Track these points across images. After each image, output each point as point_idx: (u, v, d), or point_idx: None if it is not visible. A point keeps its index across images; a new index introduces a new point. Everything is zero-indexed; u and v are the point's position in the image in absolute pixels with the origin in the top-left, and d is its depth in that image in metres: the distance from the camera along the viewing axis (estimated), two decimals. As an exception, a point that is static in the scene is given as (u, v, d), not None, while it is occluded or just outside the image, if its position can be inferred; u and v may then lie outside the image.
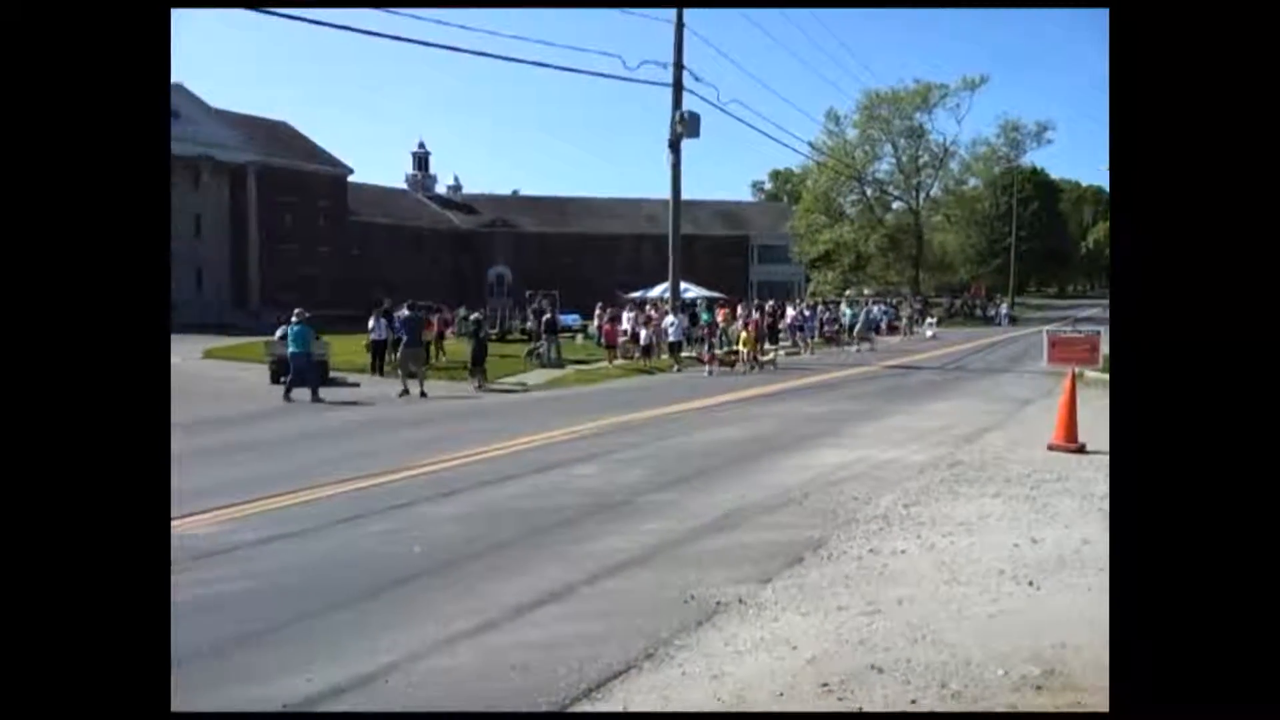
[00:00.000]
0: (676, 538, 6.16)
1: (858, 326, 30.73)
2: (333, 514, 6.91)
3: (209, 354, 23.43)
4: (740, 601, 4.89)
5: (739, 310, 27.74)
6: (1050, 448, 9.21)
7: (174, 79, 46.46)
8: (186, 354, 23.50)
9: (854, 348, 28.51)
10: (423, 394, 15.51)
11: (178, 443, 10.73)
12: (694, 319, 24.58)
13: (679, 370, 21.02)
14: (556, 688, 3.83)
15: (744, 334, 21.66)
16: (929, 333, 36.88)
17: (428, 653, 4.19)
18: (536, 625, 4.57)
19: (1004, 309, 52.63)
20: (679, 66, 22.94)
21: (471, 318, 20.80)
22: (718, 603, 4.87)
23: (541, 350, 21.82)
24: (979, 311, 54.78)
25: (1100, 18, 2.96)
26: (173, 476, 8.36)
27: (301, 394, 14.93)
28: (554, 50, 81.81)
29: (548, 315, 24.11)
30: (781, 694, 3.81)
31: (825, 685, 3.86)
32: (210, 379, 17.62)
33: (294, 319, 15.81)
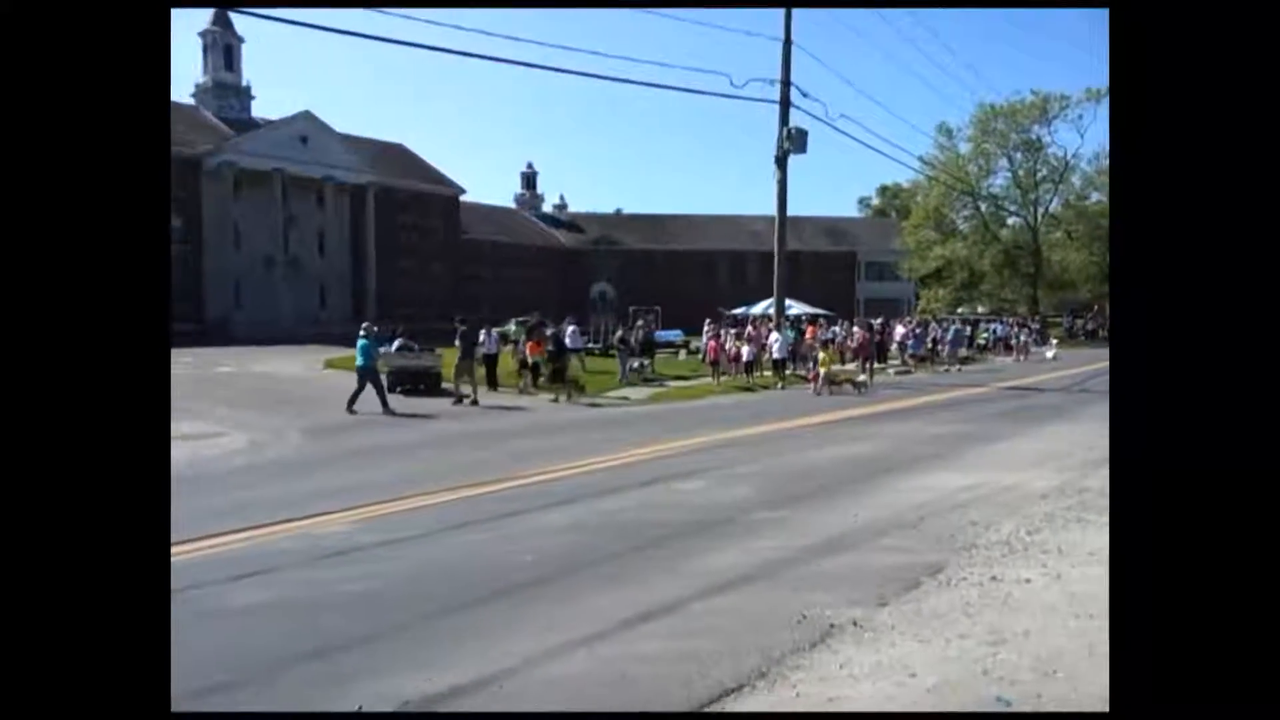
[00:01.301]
0: (788, 556, 6.03)
1: (945, 348, 29.47)
2: (445, 520, 7.10)
3: (329, 364, 24.57)
4: (855, 624, 4.74)
5: (817, 329, 26.70)
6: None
7: (303, 106, 49.58)
8: (310, 364, 24.76)
9: (944, 368, 27.45)
10: (474, 402, 16.51)
11: (305, 447, 11.26)
12: (800, 336, 24.15)
13: (783, 388, 20.72)
14: (669, 702, 3.80)
15: (823, 354, 20.51)
16: (1049, 354, 35.03)
17: (542, 659, 4.23)
18: (648, 638, 4.55)
19: None
20: (786, 84, 22.78)
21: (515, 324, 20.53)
22: (832, 624, 4.74)
23: (635, 366, 22.00)
24: (1102, 332, 51.98)
25: (1100, 17, 2.87)
26: (301, 480, 8.76)
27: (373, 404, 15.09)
28: (656, 70, 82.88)
29: (642, 332, 24.54)
30: (905, 723, 3.66)
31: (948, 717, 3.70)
32: (330, 388, 18.45)
33: (361, 332, 15.80)
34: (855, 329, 24.33)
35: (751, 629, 4.66)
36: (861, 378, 20.43)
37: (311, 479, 9.25)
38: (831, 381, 19.18)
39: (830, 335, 23.01)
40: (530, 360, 18.55)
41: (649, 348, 24.01)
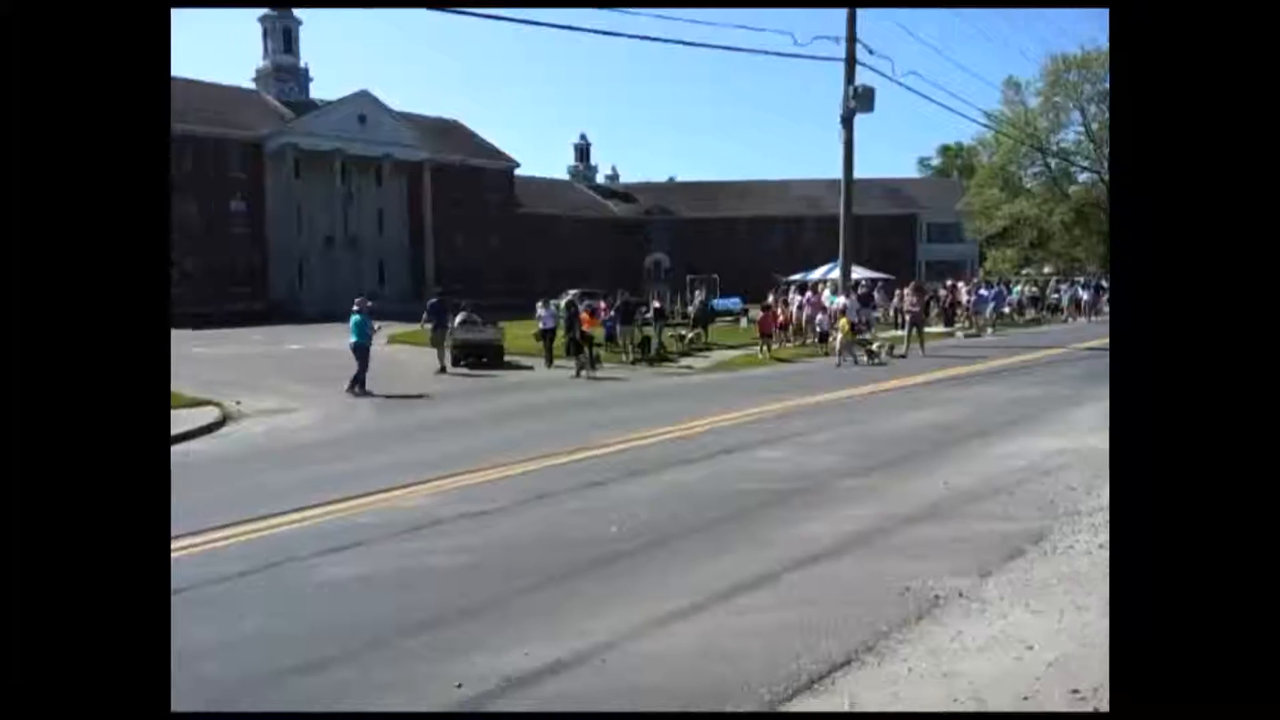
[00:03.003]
0: (882, 525, 5.84)
1: (987, 309, 27.63)
2: (524, 491, 7.06)
3: (392, 339, 24.95)
4: (961, 595, 4.55)
5: (838, 292, 23.68)
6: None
7: (361, 86, 50.04)
8: (376, 339, 25.12)
9: (962, 333, 25.93)
10: (441, 370, 17.24)
11: (376, 420, 11.38)
12: (865, 300, 23.39)
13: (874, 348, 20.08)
14: (776, 677, 3.67)
15: (842, 322, 18.69)
16: (1098, 315, 33.61)
17: (641, 634, 4.14)
18: (747, 611, 4.43)
19: None
20: (851, 40, 22.04)
21: (564, 303, 20.12)
22: (936, 595, 4.55)
23: (689, 337, 21.81)
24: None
25: (1100, 17, 2.75)
26: (375, 453, 8.80)
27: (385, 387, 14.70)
28: (718, 30, 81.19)
29: (698, 300, 24.24)
30: (1026, 698, 3.48)
31: (1076, 692, 3.50)
32: (396, 362, 18.68)
33: (355, 307, 15.16)
34: (906, 292, 22.36)
35: (853, 600, 4.51)
36: (898, 350, 18.77)
37: (385, 452, 9.33)
38: (864, 348, 17.98)
39: (842, 304, 20.72)
40: (584, 334, 18.30)
41: (700, 319, 23.65)
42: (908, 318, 20.63)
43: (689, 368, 18.48)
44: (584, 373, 16.51)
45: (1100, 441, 8.53)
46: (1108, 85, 49.63)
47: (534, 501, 6.80)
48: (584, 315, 19.39)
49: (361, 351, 14.50)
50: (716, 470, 7.80)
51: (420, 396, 14.10)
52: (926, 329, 24.69)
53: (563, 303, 19.29)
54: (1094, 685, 3.53)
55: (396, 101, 52.06)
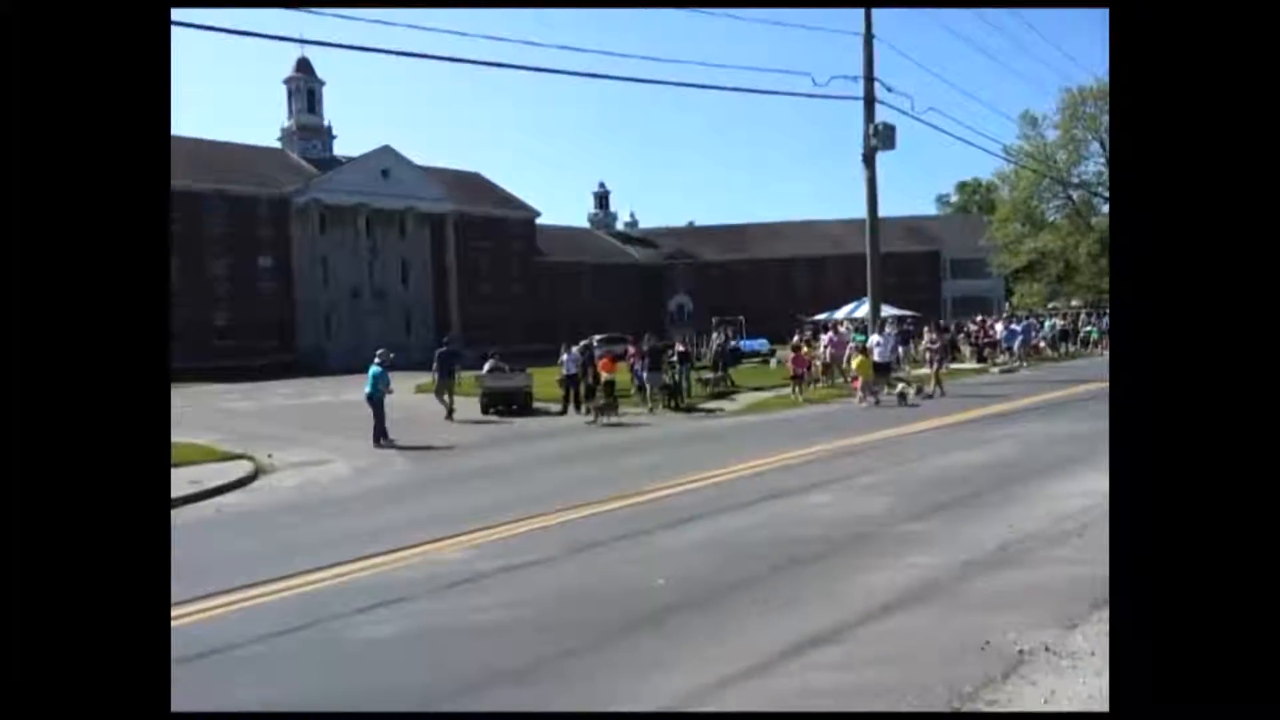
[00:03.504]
0: (948, 574, 5.50)
1: (1016, 343, 26.87)
2: (565, 543, 6.79)
3: (420, 389, 24.87)
4: (1047, 650, 4.21)
5: (828, 334, 23.09)
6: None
7: (384, 142, 50.94)
8: (402, 389, 25.06)
9: (998, 369, 25.14)
10: (449, 416, 17.52)
11: (412, 471, 11.19)
12: (906, 338, 22.93)
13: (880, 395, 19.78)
14: (861, 746, 3.35)
15: (858, 359, 17.94)
16: None
17: (710, 695, 3.84)
18: (818, 669, 4.11)
19: None
20: (869, 79, 22.05)
21: (579, 347, 19.26)
22: (1020, 650, 4.21)
23: (710, 379, 21.25)
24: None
25: (1100, 17, 2.64)
26: (411, 505, 8.56)
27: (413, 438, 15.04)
28: (731, 74, 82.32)
29: (718, 344, 23.85)
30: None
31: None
32: (427, 412, 18.57)
33: (376, 359, 15.01)
34: (926, 331, 21.95)
35: (931, 657, 4.18)
36: (903, 387, 17.74)
37: (421, 503, 9.11)
38: (891, 389, 17.32)
39: (872, 341, 19.53)
40: (605, 379, 17.82)
41: (720, 360, 23.20)
42: (927, 356, 20.15)
43: (720, 410, 18.18)
44: (601, 418, 16.06)
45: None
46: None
47: (576, 554, 6.52)
48: (604, 360, 19.04)
49: (376, 403, 14.42)
50: (764, 517, 7.48)
51: (448, 448, 13.89)
52: (960, 365, 24.26)
53: (578, 346, 18.98)
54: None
55: (418, 155, 52.93)
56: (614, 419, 16.19)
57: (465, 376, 22.66)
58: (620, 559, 6.33)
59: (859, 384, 17.75)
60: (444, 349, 19.22)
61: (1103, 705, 3.60)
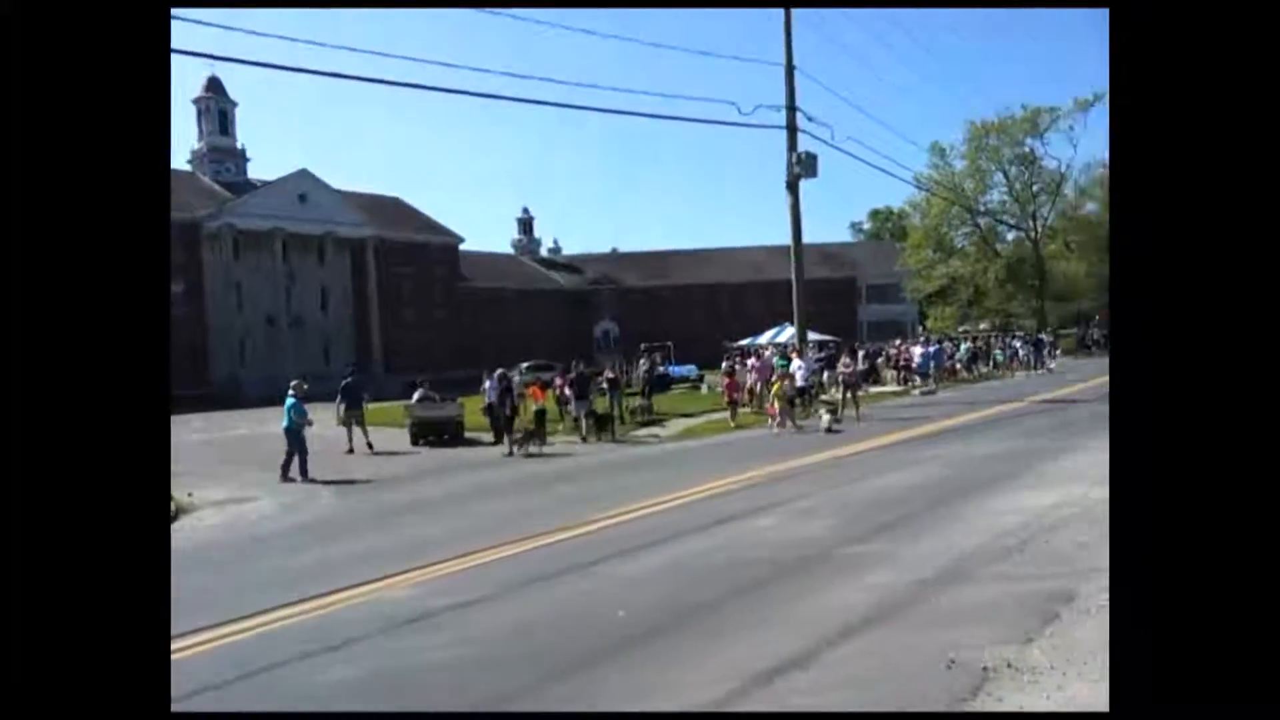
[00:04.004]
0: (901, 593, 5.58)
1: (930, 365, 27.56)
2: (519, 576, 6.65)
3: (343, 422, 24.16)
4: (1010, 666, 4.30)
5: (751, 360, 23.43)
6: None
7: (301, 165, 49.71)
8: (324, 422, 24.27)
9: (918, 391, 25.84)
10: (349, 451, 16.80)
11: (342, 507, 10.78)
12: (830, 363, 23.35)
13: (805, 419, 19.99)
14: (843, 772, 3.35)
15: (776, 386, 17.84)
16: (1052, 365, 34.33)
17: (687, 731, 3.78)
18: (791, 695, 4.10)
19: None
20: (791, 109, 22.68)
21: (496, 375, 18.17)
22: (984, 667, 4.29)
23: (634, 408, 20.83)
24: (1106, 341, 51.90)
25: (1100, 17, 2.80)
26: (345, 542, 8.25)
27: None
28: (655, 101, 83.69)
29: (644, 369, 23.64)
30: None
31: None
32: (357, 443, 18.01)
33: (290, 391, 14.62)
34: (843, 356, 21.99)
35: (900, 678, 4.23)
36: (826, 414, 17.31)
37: (357, 540, 8.79)
38: (827, 411, 17.21)
39: (777, 365, 20.23)
40: (535, 407, 17.53)
41: (648, 386, 22.98)
42: (841, 380, 20.40)
43: (655, 436, 18.19)
44: (524, 449, 15.56)
45: (1093, 492, 8.51)
46: (1026, 148, 52.28)
47: (528, 587, 6.38)
48: (534, 389, 18.75)
49: (293, 436, 13.83)
50: (714, 543, 7.48)
51: (368, 481, 13.45)
52: (882, 389, 24.87)
53: (495, 375, 17.82)
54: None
55: (336, 180, 51.79)
56: (540, 449, 15.78)
57: (393, 406, 22.15)
58: (573, 591, 6.22)
59: (774, 409, 17.89)
60: (348, 379, 18.39)
61: None
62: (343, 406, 17.75)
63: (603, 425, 17.76)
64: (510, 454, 15.66)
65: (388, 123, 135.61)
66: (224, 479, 13.85)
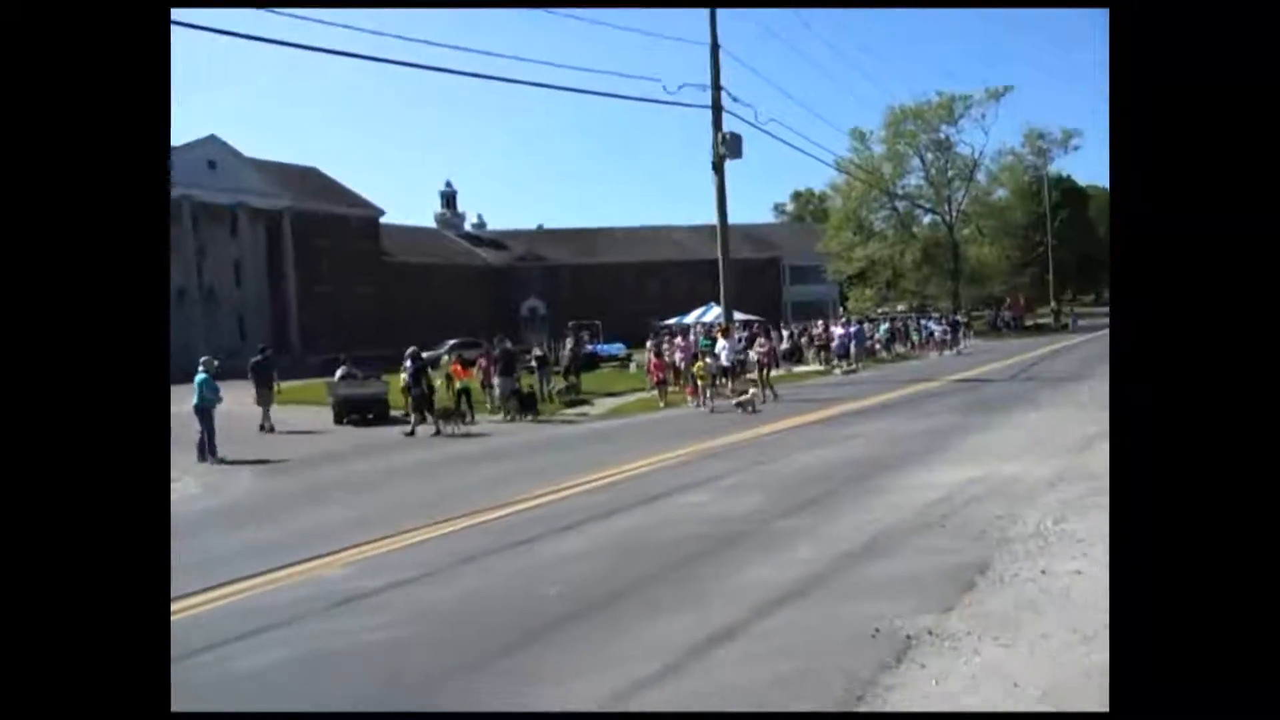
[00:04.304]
0: (828, 566, 5.80)
1: (851, 345, 28.11)
2: (454, 554, 6.65)
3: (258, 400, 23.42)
4: (930, 634, 4.52)
5: (677, 339, 23.38)
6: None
7: (209, 131, 47.58)
8: (239, 399, 23.48)
9: (840, 370, 26.53)
10: (267, 429, 16.93)
11: (282, 484, 10.54)
12: (751, 342, 23.71)
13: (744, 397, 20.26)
14: (778, 737, 3.50)
15: (697, 365, 18.12)
16: (956, 350, 34.70)
17: (625, 698, 3.87)
18: (724, 666, 4.23)
19: (1076, 318, 55.17)
20: (717, 89, 22.82)
21: (408, 353, 17.14)
22: (907, 636, 4.51)
23: (560, 389, 20.53)
24: (1016, 323, 54.32)
25: (1100, 17, 2.94)
26: (270, 524, 8.10)
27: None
28: (581, 76, 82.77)
29: (569, 347, 23.19)
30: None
31: (1074, 724, 3.50)
32: (276, 422, 17.52)
33: (200, 367, 14.34)
34: (758, 337, 22.28)
35: (828, 648, 4.40)
36: (752, 392, 17.51)
37: (280, 522, 8.61)
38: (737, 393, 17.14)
39: (702, 345, 20.78)
40: (458, 385, 17.22)
41: (574, 365, 22.35)
42: (757, 360, 20.52)
43: (584, 415, 18.23)
44: (447, 428, 15.32)
45: (1007, 468, 8.95)
46: (942, 134, 53.88)
47: (464, 565, 6.38)
48: (455, 367, 18.41)
49: (203, 415, 13.46)
50: (645, 520, 7.60)
51: (284, 461, 13.14)
52: (805, 368, 25.44)
53: (408, 353, 17.10)
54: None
55: (249, 148, 49.67)
56: (461, 429, 15.55)
57: (314, 384, 21.62)
58: (509, 570, 6.25)
59: (691, 390, 17.98)
60: (259, 358, 18.07)
61: (988, 684, 3.92)
62: (255, 386, 17.41)
63: (527, 405, 17.57)
64: (412, 433, 15.32)
65: (305, 90, 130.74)
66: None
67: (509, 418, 17.19)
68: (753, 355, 21.38)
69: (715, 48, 23.01)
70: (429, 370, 17.40)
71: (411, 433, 15.45)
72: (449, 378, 18.17)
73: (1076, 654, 4.17)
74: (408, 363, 16.72)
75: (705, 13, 22.95)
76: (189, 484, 11.22)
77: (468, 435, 15.36)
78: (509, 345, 19.37)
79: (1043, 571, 5.43)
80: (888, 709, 3.74)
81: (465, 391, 16.98)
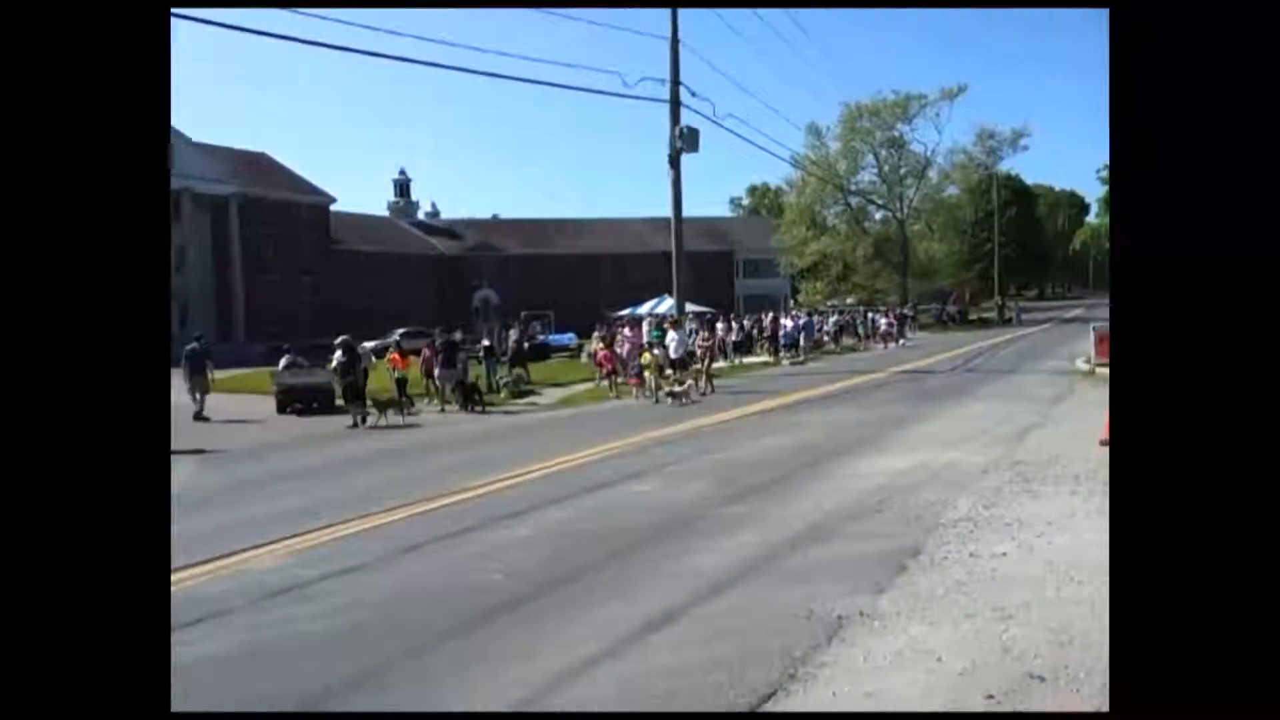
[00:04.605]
0: (768, 551, 5.92)
1: (800, 337, 28.77)
2: (395, 543, 6.61)
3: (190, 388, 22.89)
4: (862, 614, 4.66)
5: (625, 330, 23.29)
6: (1103, 443, 9.07)
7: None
8: (177, 388, 22.96)
9: (788, 361, 27.09)
10: (199, 417, 16.66)
11: (214, 477, 10.31)
12: (710, 329, 23.75)
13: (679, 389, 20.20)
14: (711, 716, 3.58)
15: (648, 356, 18.23)
16: (900, 342, 35.29)
17: (565, 682, 3.93)
18: (663, 649, 4.31)
19: (1020, 312, 56.75)
20: (675, 83, 22.90)
21: (338, 341, 16.98)
22: (839, 616, 4.64)
23: (506, 380, 20.08)
24: (961, 316, 55.58)
25: (1100, 17, 2.94)
26: (208, 514, 7.96)
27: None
28: (541, 68, 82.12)
29: (512, 338, 22.60)
30: (948, 709, 3.59)
31: (991, 697, 3.66)
32: (216, 411, 17.18)
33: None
34: (700, 330, 21.94)
35: (761, 629, 4.51)
36: (688, 384, 17.62)
37: (221, 511, 8.45)
38: (671, 394, 16.98)
39: (653, 336, 20.39)
40: (396, 375, 17.05)
41: (521, 356, 21.76)
42: (698, 352, 20.41)
43: (533, 405, 18.19)
44: (383, 417, 15.23)
45: (944, 456, 9.18)
46: (896, 132, 54.76)
47: (405, 555, 6.36)
48: (394, 356, 18.12)
49: None
50: (591, 508, 7.65)
51: (222, 451, 12.91)
52: (753, 359, 25.66)
53: (337, 342, 16.80)
54: (1005, 689, 3.70)
55: (195, 132, 48.34)
56: (399, 419, 15.40)
57: (258, 373, 21.21)
58: (452, 558, 6.24)
59: (636, 381, 18.03)
60: (193, 346, 17.92)
61: (912, 660, 4.06)
62: (188, 374, 17.13)
63: (469, 395, 17.29)
64: (356, 425, 15.12)
65: (255, 73, 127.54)
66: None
67: (451, 408, 17.02)
68: (694, 347, 21.39)
69: (675, 43, 23.07)
70: (362, 359, 17.08)
71: (356, 424, 15.25)
72: (399, 368, 17.95)
73: (995, 630, 4.34)
74: (338, 353, 16.44)
75: (666, 8, 22.98)
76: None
77: (410, 426, 15.22)
78: (454, 337, 19.15)
79: (971, 554, 5.61)
80: (819, 684, 3.85)
81: (403, 381, 16.82)
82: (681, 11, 23.07)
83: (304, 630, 4.83)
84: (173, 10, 2.66)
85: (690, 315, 30.06)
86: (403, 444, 13.13)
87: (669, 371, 18.42)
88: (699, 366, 19.26)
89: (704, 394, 17.97)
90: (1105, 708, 3.40)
